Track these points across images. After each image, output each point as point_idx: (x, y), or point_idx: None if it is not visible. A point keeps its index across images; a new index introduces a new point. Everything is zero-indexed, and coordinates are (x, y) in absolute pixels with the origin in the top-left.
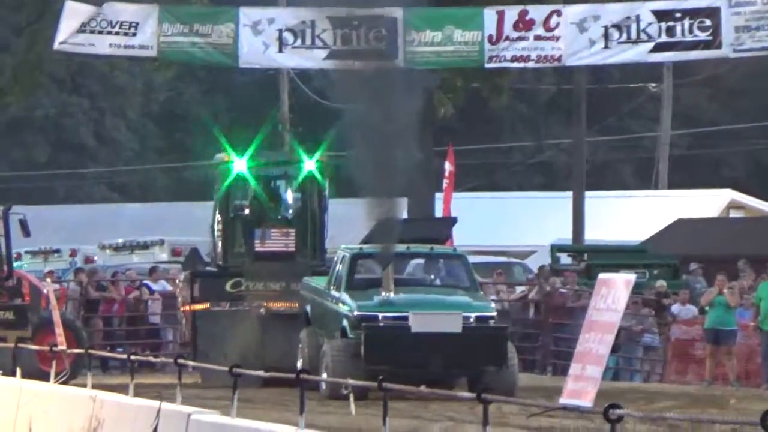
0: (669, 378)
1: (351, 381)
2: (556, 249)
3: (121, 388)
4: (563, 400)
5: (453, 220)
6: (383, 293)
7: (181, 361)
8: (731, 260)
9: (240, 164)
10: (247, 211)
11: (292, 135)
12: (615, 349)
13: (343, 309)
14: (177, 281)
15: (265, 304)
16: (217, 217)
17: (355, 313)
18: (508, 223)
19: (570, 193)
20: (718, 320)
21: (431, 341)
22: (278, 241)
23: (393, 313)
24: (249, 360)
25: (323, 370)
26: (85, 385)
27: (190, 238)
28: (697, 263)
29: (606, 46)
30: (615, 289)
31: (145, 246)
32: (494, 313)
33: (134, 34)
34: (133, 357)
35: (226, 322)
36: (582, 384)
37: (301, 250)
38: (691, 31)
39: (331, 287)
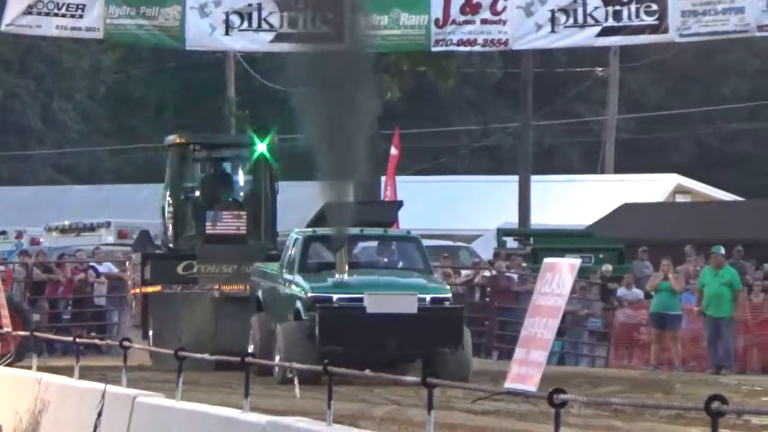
0: (614, 362)
1: (295, 365)
2: (502, 233)
3: (67, 371)
4: (508, 384)
5: (399, 204)
6: (337, 275)
7: (125, 343)
8: (677, 245)
9: (190, 145)
10: (197, 194)
11: (244, 117)
12: (560, 334)
13: (297, 291)
14: (126, 263)
15: (217, 287)
16: (168, 199)
17: (309, 294)
18: (455, 206)
19: (516, 177)
20: (663, 305)
21: (386, 322)
22: (229, 223)
23: (348, 294)
24: (203, 343)
25: (276, 353)
26: (30, 368)
27: (137, 221)
28: (644, 247)
29: (553, 30)
30: (560, 274)
31: (92, 228)
32: (449, 295)
33: (81, 16)
34: (78, 339)
35: (179, 304)
36: (527, 368)
37: (252, 233)
38: (637, 16)
39: (284, 270)
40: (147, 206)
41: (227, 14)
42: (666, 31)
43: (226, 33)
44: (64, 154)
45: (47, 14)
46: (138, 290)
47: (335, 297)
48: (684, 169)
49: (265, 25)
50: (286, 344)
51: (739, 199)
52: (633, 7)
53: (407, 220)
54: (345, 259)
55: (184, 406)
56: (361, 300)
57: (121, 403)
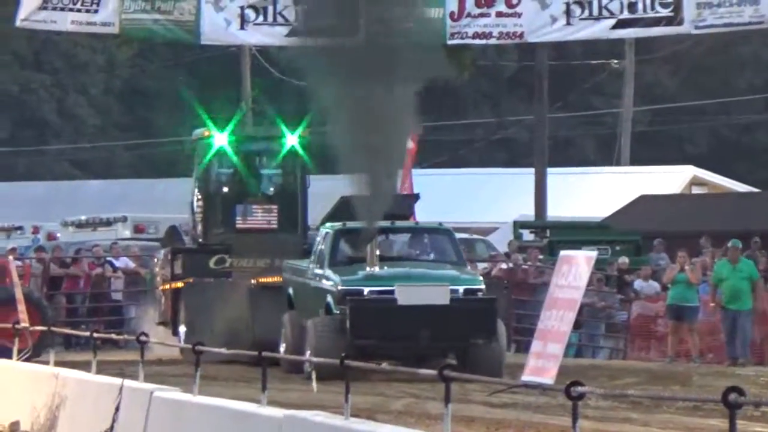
0: (631, 355)
1: (312, 358)
2: (518, 225)
3: (84, 366)
4: (525, 377)
5: (415, 197)
6: (368, 268)
7: (143, 338)
8: (693, 236)
9: (221, 139)
10: (227, 188)
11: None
12: (577, 326)
13: (327, 285)
14: (155, 259)
15: (254, 279)
16: (197, 193)
17: (340, 287)
18: (471, 199)
19: (532, 170)
20: (680, 297)
21: (418, 314)
22: (260, 217)
23: (379, 287)
24: (238, 334)
25: (307, 348)
26: (47, 363)
27: (153, 215)
28: (659, 239)
29: (568, 23)
30: (577, 266)
31: (108, 223)
32: (482, 286)
33: (96, 11)
34: (95, 334)
35: (212, 294)
36: (544, 361)
37: (283, 227)
38: (652, 8)
39: (314, 265)
40: (163, 201)
41: (242, 8)
42: (681, 23)
43: (242, 27)
44: (80, 148)
45: (62, 9)
46: (167, 286)
47: (366, 290)
48: (700, 160)
49: (280, 19)
50: (317, 339)
51: (755, 190)
52: None
53: (424, 213)
54: (375, 251)
55: (201, 401)
56: (392, 292)
57: (139, 398)
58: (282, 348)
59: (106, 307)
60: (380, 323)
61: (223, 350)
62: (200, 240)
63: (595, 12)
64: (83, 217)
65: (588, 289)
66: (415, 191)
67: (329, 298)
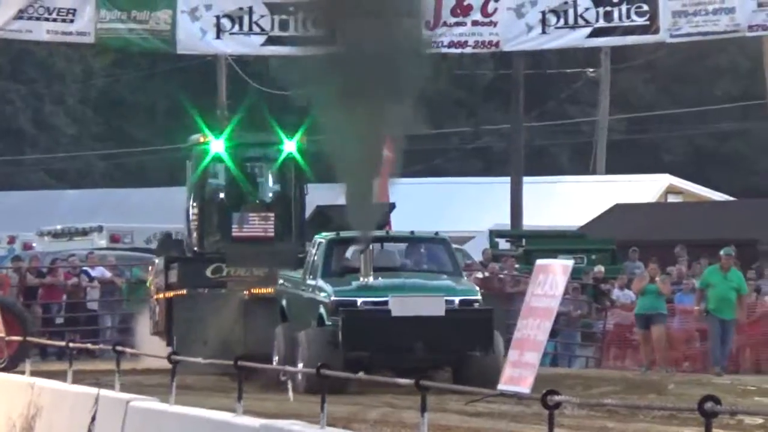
0: (607, 363)
1: (288, 368)
2: (494, 234)
3: (60, 375)
4: (501, 386)
5: (391, 206)
6: (362, 279)
7: (119, 348)
8: (669, 245)
9: (217, 145)
10: (223, 195)
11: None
12: (553, 335)
13: (320, 296)
14: (149, 268)
15: (248, 291)
16: (192, 201)
17: (332, 298)
18: (446, 208)
19: (508, 179)
20: (649, 306)
21: (413, 325)
22: (257, 225)
23: (372, 298)
24: (231, 347)
25: (299, 361)
26: (23, 372)
27: (129, 225)
28: (635, 248)
29: (543, 32)
30: (553, 275)
31: (84, 232)
32: (479, 297)
33: (72, 21)
34: (71, 344)
35: (204, 306)
36: (520, 370)
37: (281, 236)
38: (628, 16)
39: (307, 276)
40: (139, 210)
41: (218, 18)
42: (657, 31)
43: (217, 36)
44: (56, 158)
45: (38, 19)
46: (161, 295)
47: (359, 301)
48: (676, 169)
49: (256, 29)
50: (309, 351)
51: (731, 198)
52: (624, 7)
53: (399, 223)
54: (370, 262)
55: (177, 410)
56: (386, 303)
57: (115, 408)
58: (275, 361)
59: (82, 317)
60: (374, 335)
61: (199, 359)
62: (195, 248)
63: (571, 21)
64: (59, 227)
65: (564, 297)
66: (391, 200)
67: (322, 310)
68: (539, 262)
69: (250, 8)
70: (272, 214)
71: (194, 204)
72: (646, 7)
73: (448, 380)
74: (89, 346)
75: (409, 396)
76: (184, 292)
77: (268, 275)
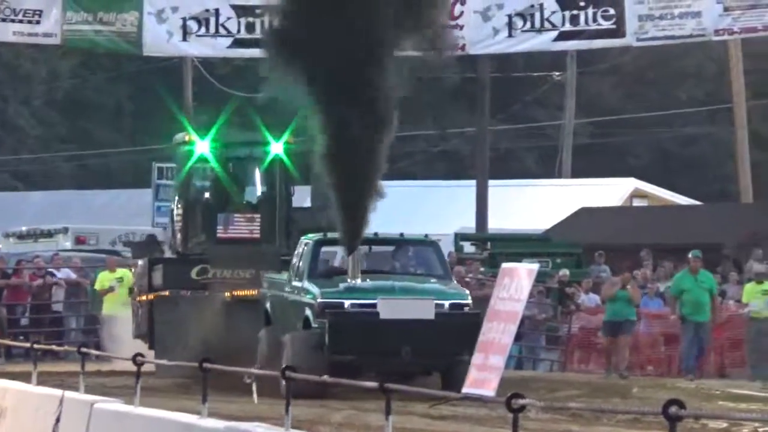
0: (571, 367)
1: (253, 370)
2: (459, 238)
3: (25, 377)
4: (466, 389)
5: None
6: (349, 280)
7: (83, 349)
8: (634, 249)
9: (202, 145)
10: (208, 196)
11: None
12: (518, 338)
13: (306, 298)
14: (132, 269)
15: (230, 292)
16: (177, 201)
17: (319, 300)
18: (412, 211)
19: (473, 182)
20: (618, 313)
21: (402, 329)
22: (242, 226)
23: (360, 300)
24: (212, 351)
25: (284, 364)
26: None
27: (94, 226)
28: (600, 251)
29: (510, 35)
30: (518, 279)
31: (49, 234)
32: (469, 301)
33: (38, 22)
34: (36, 345)
35: (186, 309)
36: (485, 373)
37: (266, 237)
38: (595, 20)
39: (293, 278)
40: (105, 212)
41: (184, 20)
42: (623, 35)
43: (184, 39)
44: (22, 160)
45: (4, 20)
46: (144, 297)
47: (347, 303)
48: (641, 173)
49: (222, 31)
50: (294, 355)
51: (697, 202)
52: (590, 11)
53: None
54: (358, 263)
55: (142, 412)
56: (374, 306)
57: (79, 409)
58: (257, 365)
59: (47, 318)
60: (361, 338)
61: (164, 361)
62: (179, 250)
63: (538, 24)
64: (24, 229)
65: (529, 301)
66: None
67: (308, 312)
68: (504, 265)
69: (217, 11)
70: (258, 216)
71: (179, 204)
72: (612, 11)
73: (437, 386)
74: (54, 347)
75: (375, 399)
76: (167, 293)
77: (254, 277)
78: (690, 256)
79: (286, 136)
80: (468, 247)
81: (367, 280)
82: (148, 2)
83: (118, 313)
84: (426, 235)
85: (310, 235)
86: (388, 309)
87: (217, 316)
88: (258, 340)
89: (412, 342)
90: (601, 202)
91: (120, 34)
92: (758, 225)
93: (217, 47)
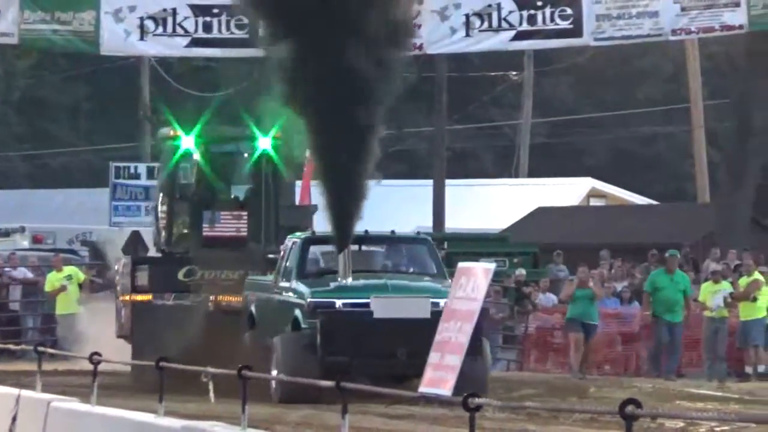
0: (528, 366)
1: (210, 369)
2: None
3: None
4: (422, 388)
5: (313, 208)
6: (340, 279)
7: (40, 348)
8: (591, 248)
9: (188, 140)
10: (194, 193)
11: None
12: None
13: (295, 298)
14: (116, 267)
15: (212, 298)
16: (161, 198)
17: (309, 300)
18: (369, 211)
19: (430, 182)
20: (583, 313)
21: (396, 328)
22: (229, 225)
23: (352, 299)
24: (193, 356)
25: (274, 368)
26: None
27: (51, 225)
28: (558, 251)
29: (467, 35)
30: (475, 278)
31: (6, 233)
32: None
33: None
34: None
35: (166, 317)
36: (441, 373)
37: (254, 236)
38: (552, 20)
39: (280, 279)
40: (62, 211)
41: (142, 19)
42: (581, 35)
43: (141, 38)
44: None
45: None
46: (128, 297)
47: (339, 302)
48: (598, 173)
49: (180, 30)
50: (285, 357)
51: (654, 202)
52: (548, 11)
53: (321, 225)
54: (349, 261)
55: (99, 411)
56: (367, 305)
57: (36, 408)
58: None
59: (4, 318)
60: (355, 338)
61: (121, 361)
62: (164, 249)
63: (495, 24)
64: None
65: (485, 300)
66: (313, 203)
67: (297, 313)
68: (461, 264)
69: (174, 10)
70: (245, 213)
71: (164, 202)
72: (569, 11)
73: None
74: (11, 346)
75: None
76: (148, 297)
77: (243, 278)
78: (667, 255)
79: (274, 132)
80: None
81: (359, 279)
82: (105, 1)
83: (73, 312)
84: (418, 232)
85: (297, 234)
86: (382, 308)
87: (199, 323)
88: (243, 344)
89: (408, 342)
90: (558, 202)
91: (77, 34)
92: (715, 225)
93: (175, 47)
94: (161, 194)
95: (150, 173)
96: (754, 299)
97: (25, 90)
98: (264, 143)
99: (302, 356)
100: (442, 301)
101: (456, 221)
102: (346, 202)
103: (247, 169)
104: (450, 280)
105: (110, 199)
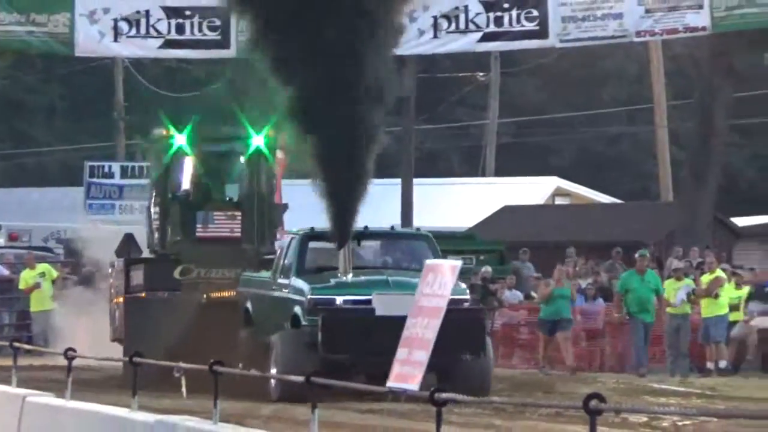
0: (495, 362)
1: (182, 364)
2: None
3: None
4: (390, 383)
5: (284, 207)
6: (340, 276)
7: (16, 344)
8: (556, 246)
9: (180, 139)
10: (187, 193)
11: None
12: None
13: (294, 295)
14: (110, 270)
15: (205, 294)
16: (154, 198)
17: (309, 296)
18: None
19: (399, 181)
20: (556, 312)
21: (398, 326)
22: (222, 225)
23: (354, 296)
24: (187, 352)
25: (273, 366)
26: None
27: (27, 224)
28: (525, 248)
29: (435, 36)
30: (442, 275)
31: None
32: (468, 296)
33: None
34: None
35: (159, 312)
36: (409, 368)
37: (247, 236)
38: (518, 21)
39: (278, 276)
40: (37, 209)
41: (116, 21)
42: (546, 36)
43: (115, 39)
44: None
45: None
46: (121, 299)
47: (339, 299)
48: (564, 172)
49: (153, 32)
50: (284, 355)
51: (618, 201)
52: (514, 13)
53: (291, 224)
54: (350, 257)
55: (73, 406)
56: (368, 302)
57: (11, 403)
58: (240, 366)
59: None
60: (356, 336)
61: (94, 357)
62: (156, 249)
63: (462, 26)
64: None
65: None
66: (284, 201)
67: (297, 309)
68: (428, 262)
69: (147, 12)
70: (239, 213)
71: (156, 202)
72: (536, 13)
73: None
74: None
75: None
76: (141, 295)
77: (237, 277)
78: (637, 255)
79: (267, 129)
80: None
81: (360, 275)
82: (79, 3)
83: (47, 308)
84: (418, 228)
85: (295, 230)
86: (384, 305)
87: (192, 318)
88: (238, 342)
89: None
90: (524, 201)
91: (52, 35)
92: (678, 223)
93: (148, 48)
94: (154, 195)
95: (124, 172)
96: (716, 296)
97: (1, 91)
98: (257, 141)
99: (302, 354)
100: None
101: (424, 220)
102: (345, 198)
103: (240, 168)
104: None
105: (85, 197)
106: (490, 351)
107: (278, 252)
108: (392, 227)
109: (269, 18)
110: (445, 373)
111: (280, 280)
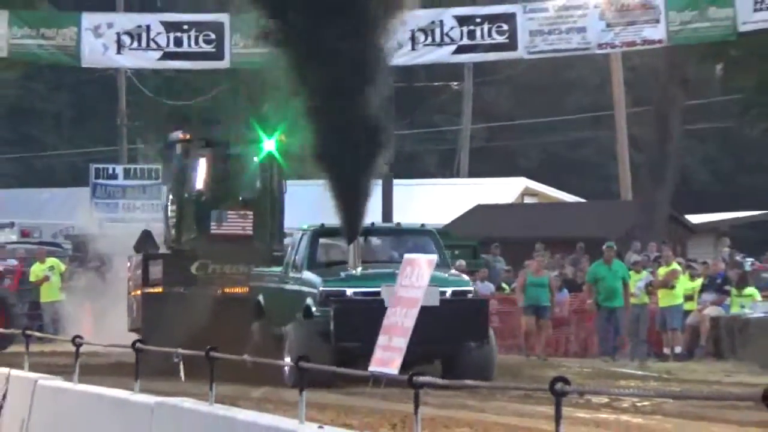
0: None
1: (180, 350)
2: None
3: None
4: (372, 367)
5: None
6: (350, 269)
7: (28, 332)
8: (526, 242)
9: (269, 143)
10: (201, 192)
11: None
12: None
13: (306, 287)
14: (128, 264)
15: (220, 289)
16: (170, 197)
17: (321, 288)
18: (320, 209)
19: (379, 181)
20: (536, 297)
21: None
22: (235, 223)
23: (363, 288)
24: (202, 344)
25: (286, 354)
26: None
27: (38, 221)
28: (496, 243)
29: (413, 48)
30: (419, 268)
31: None
32: (471, 288)
33: None
34: None
35: (174, 306)
36: (389, 353)
37: (258, 234)
38: (490, 35)
39: (289, 269)
40: (47, 208)
41: (119, 35)
42: (515, 48)
43: (118, 52)
44: None
45: None
46: (138, 292)
47: (350, 291)
48: (532, 173)
49: (153, 45)
50: (298, 344)
51: (581, 200)
52: (486, 27)
53: (293, 222)
54: (359, 252)
55: (81, 388)
56: (377, 293)
57: (24, 385)
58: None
59: None
60: (366, 325)
61: (100, 345)
62: (173, 245)
63: (438, 39)
64: None
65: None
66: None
67: (309, 301)
68: (407, 256)
69: (148, 26)
70: (250, 212)
71: (172, 200)
72: (505, 27)
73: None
74: (1, 330)
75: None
76: (159, 289)
77: (250, 272)
78: (604, 247)
79: (278, 134)
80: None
81: (368, 269)
82: (85, 19)
83: (57, 299)
84: (422, 225)
85: (306, 226)
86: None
87: (207, 311)
88: (250, 333)
89: (418, 329)
90: (495, 200)
91: (60, 48)
92: (637, 220)
93: (148, 59)
94: (169, 194)
95: (126, 174)
96: (672, 287)
97: (13, 99)
98: (269, 145)
99: (315, 343)
100: (449, 290)
101: (403, 217)
102: (355, 195)
103: (253, 170)
104: (454, 270)
105: (91, 196)
106: (493, 339)
107: (289, 248)
108: (398, 224)
109: (285, 18)
110: (451, 361)
111: (292, 274)
